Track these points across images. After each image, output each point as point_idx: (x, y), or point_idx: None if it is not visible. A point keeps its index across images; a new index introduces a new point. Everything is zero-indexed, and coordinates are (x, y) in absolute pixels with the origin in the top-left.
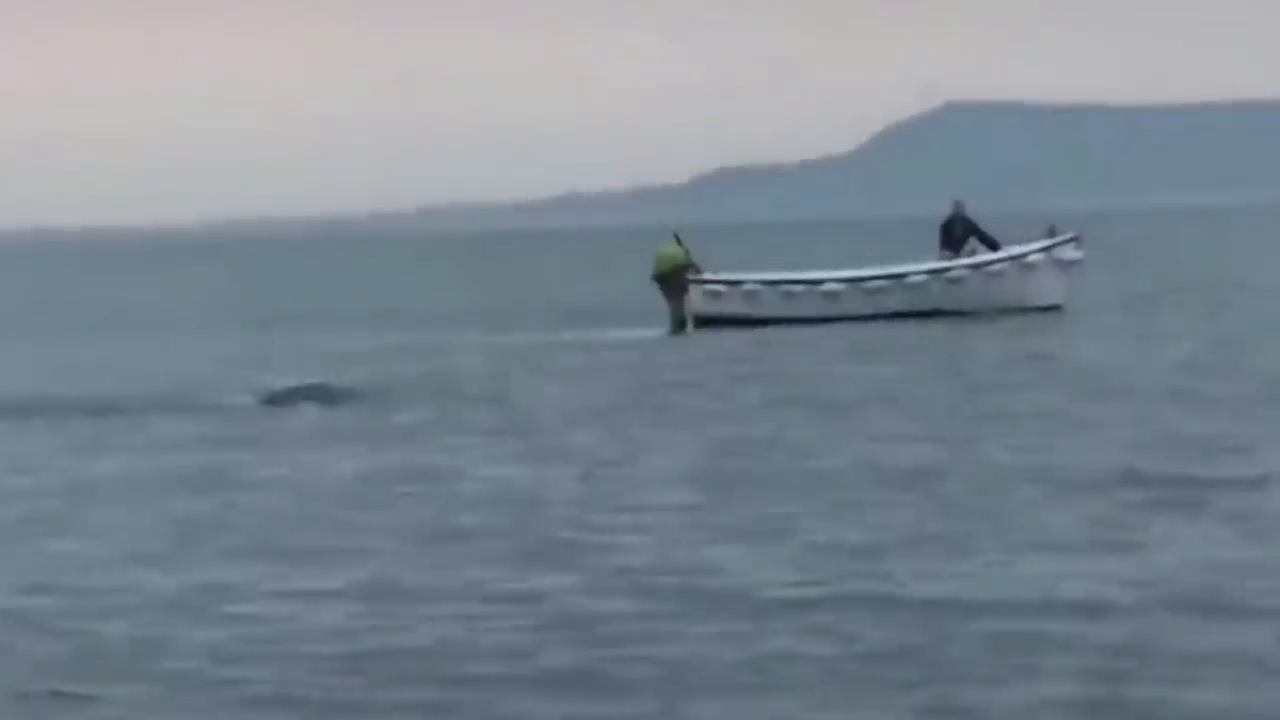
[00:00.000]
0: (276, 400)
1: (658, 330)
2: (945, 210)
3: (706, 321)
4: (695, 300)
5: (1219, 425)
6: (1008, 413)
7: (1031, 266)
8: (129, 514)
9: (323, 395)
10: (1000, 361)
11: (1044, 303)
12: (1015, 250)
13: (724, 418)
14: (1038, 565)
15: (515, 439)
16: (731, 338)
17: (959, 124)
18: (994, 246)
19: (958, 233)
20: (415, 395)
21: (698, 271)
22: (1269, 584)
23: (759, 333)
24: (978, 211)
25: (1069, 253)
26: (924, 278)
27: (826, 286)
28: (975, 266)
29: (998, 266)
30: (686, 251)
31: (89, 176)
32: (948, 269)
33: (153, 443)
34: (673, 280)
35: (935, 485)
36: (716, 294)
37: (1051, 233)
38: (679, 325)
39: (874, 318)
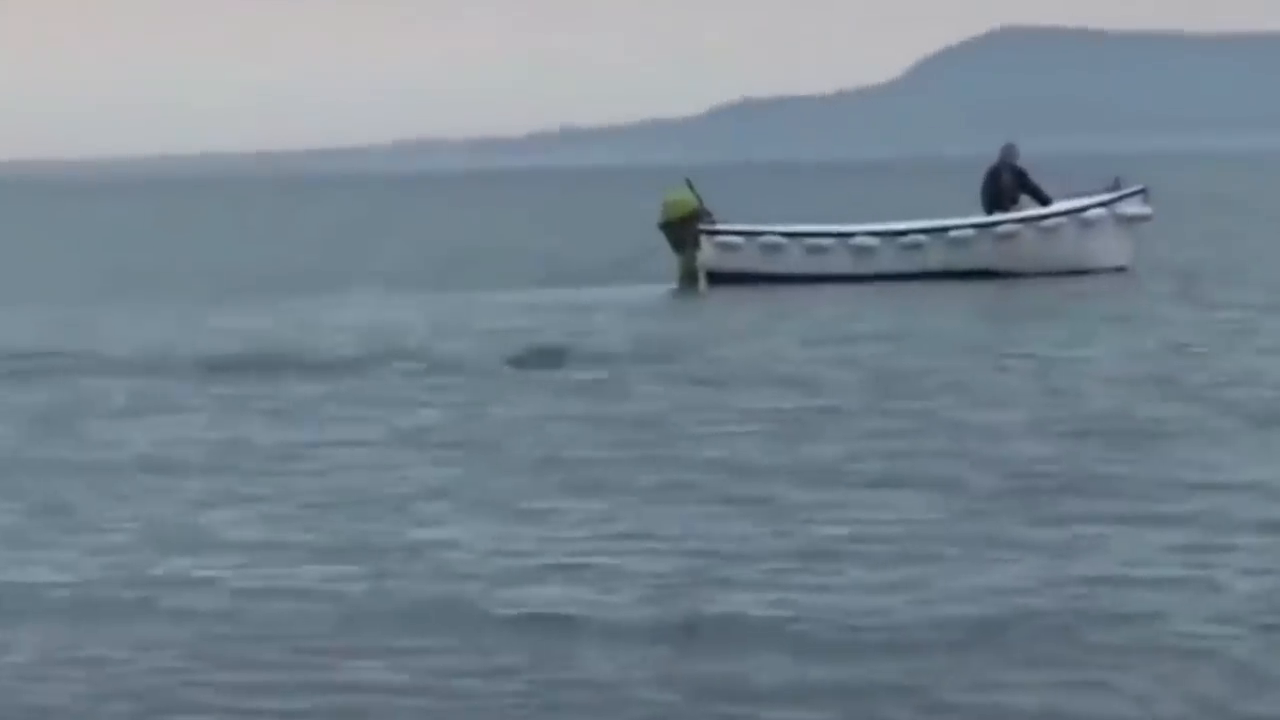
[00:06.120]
0: (522, 363)
1: (664, 288)
2: (992, 152)
3: (720, 278)
4: (707, 254)
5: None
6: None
7: (1092, 223)
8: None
9: (556, 356)
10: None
11: (1106, 264)
12: (1073, 204)
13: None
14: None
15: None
16: (747, 298)
17: (1011, 51)
18: (1045, 204)
19: (1005, 183)
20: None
21: (711, 221)
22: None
23: (779, 292)
24: (1029, 156)
25: (1135, 207)
26: (970, 233)
27: (858, 240)
28: (1028, 220)
29: (1053, 221)
30: (699, 197)
31: None
32: (997, 223)
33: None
34: (682, 230)
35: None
36: (732, 247)
37: (1115, 185)
38: (689, 281)
39: (912, 277)
